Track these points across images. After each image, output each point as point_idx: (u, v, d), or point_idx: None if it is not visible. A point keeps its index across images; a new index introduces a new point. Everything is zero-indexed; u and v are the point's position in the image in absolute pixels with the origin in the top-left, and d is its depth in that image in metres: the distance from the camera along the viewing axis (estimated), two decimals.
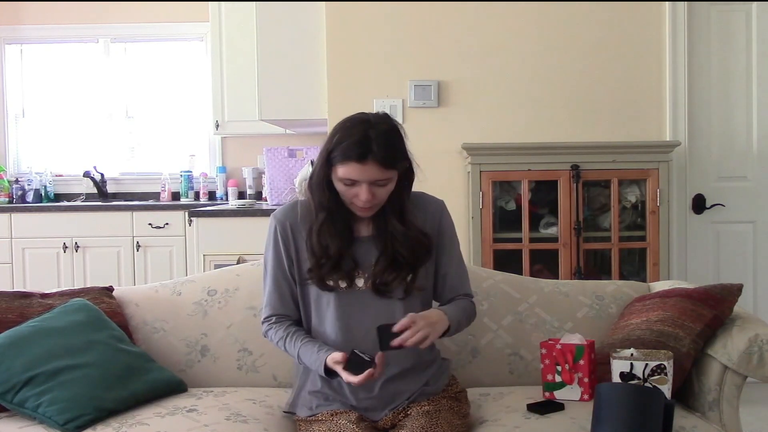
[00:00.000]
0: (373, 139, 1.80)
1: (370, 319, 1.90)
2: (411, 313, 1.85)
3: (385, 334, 1.79)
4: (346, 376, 1.79)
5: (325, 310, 1.96)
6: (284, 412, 2.06)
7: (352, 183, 1.83)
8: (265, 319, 2.02)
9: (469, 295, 2.09)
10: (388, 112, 3.76)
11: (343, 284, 1.93)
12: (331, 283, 1.93)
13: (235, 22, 5.03)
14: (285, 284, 1.99)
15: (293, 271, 1.98)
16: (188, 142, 5.86)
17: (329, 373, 1.86)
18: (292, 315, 2.02)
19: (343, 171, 1.82)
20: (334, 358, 1.82)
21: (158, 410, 2.02)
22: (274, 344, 2.01)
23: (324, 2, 3.85)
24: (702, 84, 3.84)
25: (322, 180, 1.88)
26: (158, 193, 5.67)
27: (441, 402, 1.96)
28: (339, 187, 1.87)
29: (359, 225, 1.96)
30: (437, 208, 2.05)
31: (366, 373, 1.77)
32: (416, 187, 2.02)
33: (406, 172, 1.92)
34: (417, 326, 1.80)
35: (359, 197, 1.84)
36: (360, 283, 1.94)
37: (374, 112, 1.91)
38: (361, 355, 1.80)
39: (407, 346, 1.79)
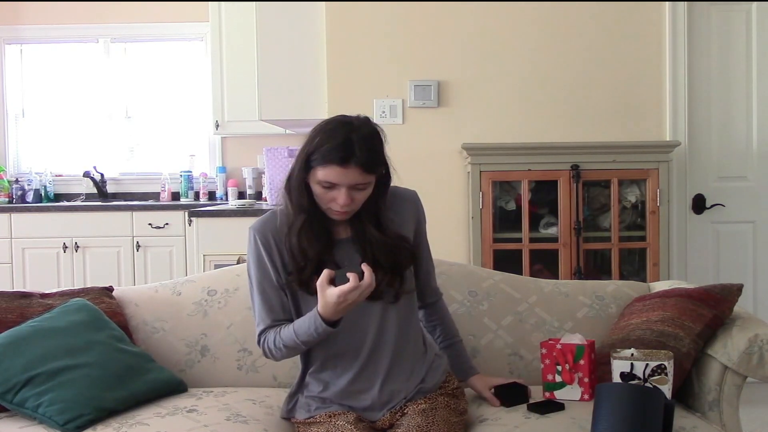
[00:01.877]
0: (355, 142, 1.76)
1: (363, 320, 1.90)
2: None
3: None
4: (348, 288, 1.71)
5: None
6: (282, 418, 2.05)
7: (330, 186, 1.79)
8: (260, 334, 1.93)
9: (440, 292, 2.14)
10: (387, 112, 3.83)
11: None
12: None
13: (235, 22, 5.04)
14: (275, 295, 1.92)
15: (281, 281, 1.92)
16: (188, 142, 5.85)
17: (332, 324, 1.78)
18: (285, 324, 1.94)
19: (323, 174, 1.78)
20: (320, 282, 1.74)
21: (158, 410, 2.01)
22: (275, 352, 1.90)
23: (324, 2, 3.85)
24: (702, 84, 3.84)
25: (300, 182, 1.84)
26: (158, 193, 5.67)
27: (437, 399, 1.95)
28: (316, 189, 1.82)
29: (338, 227, 1.92)
30: (413, 201, 2.02)
31: (366, 270, 1.73)
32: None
33: (383, 178, 1.88)
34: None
35: (336, 201, 1.80)
36: None
37: (355, 115, 1.85)
38: (339, 267, 1.77)
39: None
